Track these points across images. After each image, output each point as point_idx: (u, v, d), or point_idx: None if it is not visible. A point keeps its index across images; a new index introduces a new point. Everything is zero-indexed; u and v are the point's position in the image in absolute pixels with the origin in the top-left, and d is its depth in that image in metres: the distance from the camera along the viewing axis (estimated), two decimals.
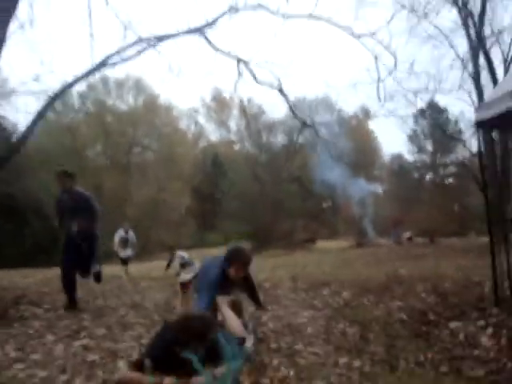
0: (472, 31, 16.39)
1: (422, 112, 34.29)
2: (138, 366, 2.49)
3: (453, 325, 3.96)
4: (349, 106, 46.14)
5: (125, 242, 11.40)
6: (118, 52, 8.12)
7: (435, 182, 32.20)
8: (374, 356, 3.33)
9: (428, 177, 35.64)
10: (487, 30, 16.04)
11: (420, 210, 25.19)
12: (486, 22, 16.37)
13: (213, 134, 43.84)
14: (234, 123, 42.73)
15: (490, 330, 3.69)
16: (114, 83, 34.84)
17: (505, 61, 17.21)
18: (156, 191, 31.08)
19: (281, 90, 10.21)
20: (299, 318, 4.55)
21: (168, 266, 6.64)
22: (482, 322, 3.91)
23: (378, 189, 42.24)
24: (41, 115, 7.88)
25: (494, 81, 15.71)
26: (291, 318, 4.55)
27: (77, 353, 3.60)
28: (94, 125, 34.07)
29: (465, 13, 15.91)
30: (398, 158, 40.53)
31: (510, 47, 16.69)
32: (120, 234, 11.55)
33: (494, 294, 4.47)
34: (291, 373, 3.00)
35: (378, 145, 47.39)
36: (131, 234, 11.54)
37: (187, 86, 53.68)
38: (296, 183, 35.68)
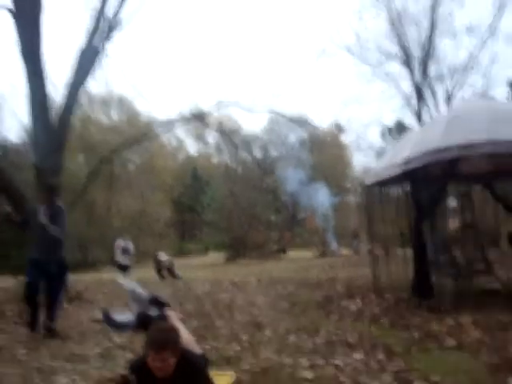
0: (417, 73, 20.05)
1: (389, 130, 38.16)
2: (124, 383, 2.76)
3: (343, 302, 7.17)
4: (323, 122, 49.87)
5: (125, 251, 14.31)
6: None
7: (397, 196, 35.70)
8: (295, 315, 6.49)
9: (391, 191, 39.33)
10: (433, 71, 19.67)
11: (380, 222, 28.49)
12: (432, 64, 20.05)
13: (191, 147, 47.21)
14: (211, 137, 46.14)
15: (358, 302, 6.92)
16: (99, 100, 37.75)
17: (448, 98, 20.88)
18: (139, 203, 33.89)
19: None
20: (257, 299, 7.76)
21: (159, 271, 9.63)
22: (358, 300, 7.14)
23: (350, 200, 45.95)
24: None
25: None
26: (252, 298, 7.76)
27: None
28: (76, 138, 36.78)
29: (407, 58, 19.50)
30: (369, 171, 44.23)
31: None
32: (120, 243, 14.42)
33: (373, 286, 7.72)
34: (248, 319, 6.16)
35: (350, 159, 51.22)
36: (130, 244, 14.42)
37: (167, 102, 56.79)
38: (270, 196, 38.98)
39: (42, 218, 5.35)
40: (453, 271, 6.90)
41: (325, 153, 45.83)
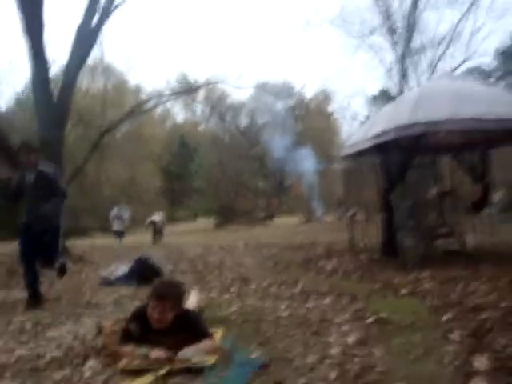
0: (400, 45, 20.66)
1: (374, 98, 38.77)
2: (126, 335, 2.82)
3: (321, 262, 8.04)
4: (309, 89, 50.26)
5: (119, 218, 15.17)
6: None
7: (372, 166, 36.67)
8: (278, 272, 7.34)
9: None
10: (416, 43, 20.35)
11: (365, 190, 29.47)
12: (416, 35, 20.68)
13: (178, 115, 47.55)
14: (199, 105, 46.47)
15: (335, 261, 7.80)
16: (87, 67, 37.63)
17: (431, 70, 21.58)
18: (129, 171, 34.49)
19: None
20: (244, 260, 8.63)
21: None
22: (334, 260, 8.02)
23: (336, 167, 46.83)
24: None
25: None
26: (240, 260, 8.62)
27: None
28: None
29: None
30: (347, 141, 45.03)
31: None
32: (114, 212, 15.28)
33: (350, 248, 8.61)
34: (236, 275, 7.01)
35: (338, 127, 51.92)
36: (125, 211, 15.26)
37: (154, 70, 56.89)
38: (257, 163, 39.76)
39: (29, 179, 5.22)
40: (419, 234, 7.77)
41: (311, 120, 46.38)
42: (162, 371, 2.51)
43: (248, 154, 37.48)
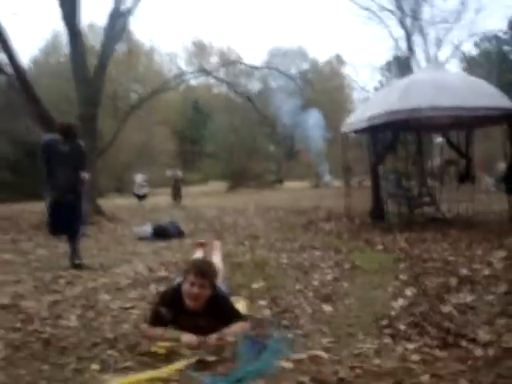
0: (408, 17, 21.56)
1: (388, 64, 39.45)
2: (157, 318, 2.86)
3: (320, 224, 9.52)
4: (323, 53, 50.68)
5: (142, 184, 16.72)
6: None
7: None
8: (283, 232, 8.84)
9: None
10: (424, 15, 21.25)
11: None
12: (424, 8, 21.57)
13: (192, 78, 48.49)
14: (212, 68, 47.44)
15: (332, 224, 9.28)
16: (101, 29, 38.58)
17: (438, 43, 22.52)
18: (144, 135, 35.87)
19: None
20: (254, 221, 10.17)
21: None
22: (332, 222, 9.51)
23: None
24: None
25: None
26: (251, 221, 10.19)
27: None
28: None
29: None
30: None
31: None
32: (139, 177, 16.82)
33: (346, 212, 10.08)
34: (248, 233, 8.54)
35: (351, 91, 52.56)
36: (145, 177, 16.80)
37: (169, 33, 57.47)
38: (269, 129, 40.98)
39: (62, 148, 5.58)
40: (404, 202, 9.21)
41: (325, 85, 47.11)
42: (192, 359, 2.48)
43: (260, 119, 38.60)
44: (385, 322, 3.29)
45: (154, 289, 4.38)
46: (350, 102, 50.71)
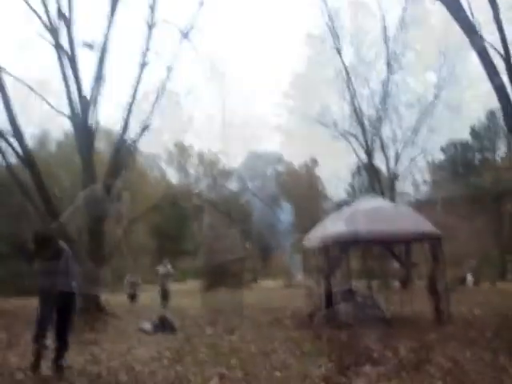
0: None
1: (358, 169, 43.67)
2: None
3: (284, 321, 11.98)
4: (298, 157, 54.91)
5: (132, 284, 18.63)
6: None
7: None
8: (252, 327, 11.24)
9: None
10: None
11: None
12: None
13: (173, 177, 52.23)
14: (192, 169, 51.57)
15: (293, 321, 11.79)
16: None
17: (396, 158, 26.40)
18: (125, 231, 38.22)
19: None
20: (226, 318, 12.64)
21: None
22: (293, 320, 12.01)
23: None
24: None
25: None
26: (225, 318, 12.64)
27: None
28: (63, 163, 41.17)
29: None
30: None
31: None
32: (127, 278, 18.87)
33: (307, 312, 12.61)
34: (224, 328, 11.01)
35: (324, 190, 56.57)
36: (137, 278, 18.89)
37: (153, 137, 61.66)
38: (245, 227, 43.90)
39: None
40: (351, 306, 11.82)
41: (299, 186, 51.13)
42: None
43: (238, 218, 41.60)
44: None
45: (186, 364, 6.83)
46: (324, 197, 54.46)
